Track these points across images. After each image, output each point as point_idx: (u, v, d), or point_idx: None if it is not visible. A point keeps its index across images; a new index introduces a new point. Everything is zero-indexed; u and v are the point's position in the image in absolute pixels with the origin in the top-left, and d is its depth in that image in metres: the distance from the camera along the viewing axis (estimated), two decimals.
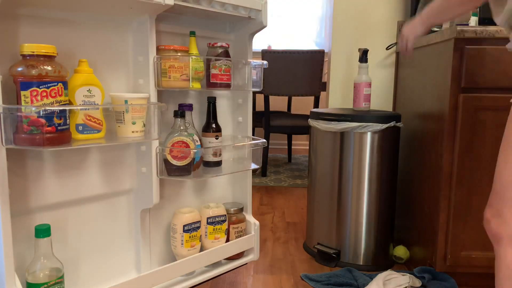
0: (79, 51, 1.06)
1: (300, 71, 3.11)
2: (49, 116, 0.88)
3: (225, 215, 1.39)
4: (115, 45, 1.13)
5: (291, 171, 3.51)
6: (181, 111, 1.19)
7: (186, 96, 1.35)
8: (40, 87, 0.88)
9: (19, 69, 0.87)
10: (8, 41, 0.93)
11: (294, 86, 3.16)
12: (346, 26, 2.12)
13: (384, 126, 1.65)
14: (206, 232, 1.35)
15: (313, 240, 1.86)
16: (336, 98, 2.18)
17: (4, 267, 0.88)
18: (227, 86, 1.28)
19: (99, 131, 1.02)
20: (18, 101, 0.88)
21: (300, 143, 4.58)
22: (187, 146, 1.18)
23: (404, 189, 1.87)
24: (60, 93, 0.91)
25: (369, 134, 1.67)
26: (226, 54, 1.30)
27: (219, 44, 1.29)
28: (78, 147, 1.07)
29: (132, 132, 1.08)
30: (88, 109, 0.99)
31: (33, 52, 0.88)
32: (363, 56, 1.82)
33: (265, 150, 3.30)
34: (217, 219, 1.36)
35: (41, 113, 0.87)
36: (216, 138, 1.32)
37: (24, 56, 0.88)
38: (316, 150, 1.82)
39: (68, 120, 0.94)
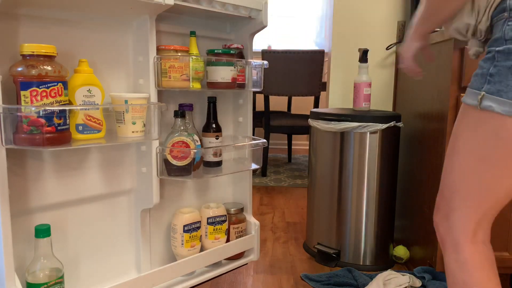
0: (79, 51, 1.06)
1: (300, 71, 3.11)
2: (49, 116, 0.88)
3: (226, 215, 1.39)
4: (115, 45, 1.13)
5: (291, 171, 3.51)
6: (181, 111, 1.19)
7: (186, 96, 1.34)
8: (40, 87, 0.88)
9: (19, 69, 0.87)
10: (8, 41, 0.93)
11: (294, 86, 3.15)
12: (346, 26, 2.12)
13: (384, 126, 1.65)
14: (206, 232, 1.35)
15: (313, 240, 1.86)
16: (336, 98, 2.18)
17: (4, 267, 0.88)
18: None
19: (99, 131, 1.02)
20: (18, 101, 0.88)
21: (300, 143, 4.58)
22: (187, 146, 1.18)
23: (404, 189, 1.87)
24: (60, 93, 0.91)
25: (369, 134, 1.67)
26: (240, 55, 1.33)
27: (234, 45, 1.31)
28: (78, 147, 1.07)
29: (132, 132, 1.08)
30: (88, 109, 0.99)
31: (33, 52, 0.88)
32: (363, 56, 1.82)
33: (265, 150, 3.30)
34: (217, 219, 1.36)
35: (41, 113, 0.87)
36: (216, 138, 1.32)
37: (24, 56, 0.88)
38: (316, 150, 1.82)
39: (68, 120, 0.94)
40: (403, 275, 1.53)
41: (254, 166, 1.40)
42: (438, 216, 0.89)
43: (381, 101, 2.14)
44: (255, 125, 3.43)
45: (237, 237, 1.42)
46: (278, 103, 4.28)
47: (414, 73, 1.05)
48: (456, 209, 0.84)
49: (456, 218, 0.84)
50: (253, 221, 1.45)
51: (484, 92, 0.77)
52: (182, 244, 1.29)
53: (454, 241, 0.84)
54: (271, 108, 4.23)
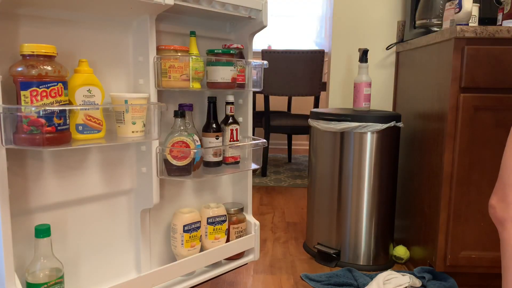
0: (79, 51, 1.06)
1: (300, 71, 3.11)
2: (49, 116, 0.88)
3: (225, 215, 1.39)
4: (115, 45, 1.13)
5: (291, 171, 3.51)
6: (181, 111, 1.19)
7: (186, 96, 1.34)
8: (40, 87, 0.88)
9: (19, 69, 0.87)
10: (8, 41, 0.93)
11: (294, 86, 3.16)
12: (346, 26, 2.12)
13: (384, 126, 1.65)
14: (206, 232, 1.35)
15: (313, 240, 1.86)
16: (336, 98, 2.18)
17: (4, 267, 0.88)
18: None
19: (99, 131, 1.02)
20: (18, 101, 0.88)
21: (300, 143, 4.58)
22: (187, 146, 1.18)
23: (404, 189, 1.87)
24: (60, 93, 0.91)
25: (369, 134, 1.67)
26: (240, 55, 1.33)
27: (234, 45, 1.31)
28: (78, 147, 1.07)
29: (132, 132, 1.08)
30: (88, 109, 0.99)
31: (33, 52, 0.88)
32: (363, 56, 1.82)
33: (265, 150, 3.30)
34: (217, 219, 1.36)
35: (41, 113, 0.87)
36: (217, 138, 1.32)
37: (24, 56, 0.88)
38: (316, 150, 1.82)
39: (68, 120, 0.94)
40: (403, 275, 1.53)
41: (254, 166, 1.40)
42: (495, 198, 0.97)
43: (381, 101, 2.14)
44: (255, 125, 3.43)
45: (237, 237, 1.42)
46: (278, 103, 4.28)
47: None
48: None
49: None
50: (253, 221, 1.45)
51: None
52: (182, 244, 1.29)
53: None
54: (271, 108, 4.22)
